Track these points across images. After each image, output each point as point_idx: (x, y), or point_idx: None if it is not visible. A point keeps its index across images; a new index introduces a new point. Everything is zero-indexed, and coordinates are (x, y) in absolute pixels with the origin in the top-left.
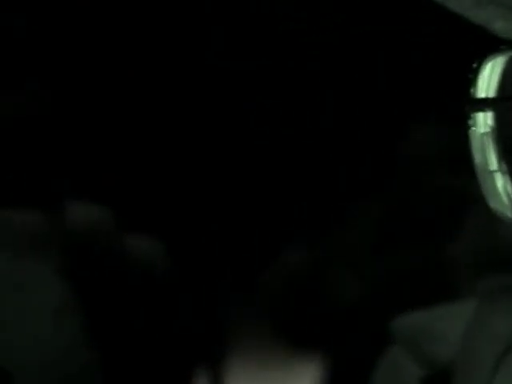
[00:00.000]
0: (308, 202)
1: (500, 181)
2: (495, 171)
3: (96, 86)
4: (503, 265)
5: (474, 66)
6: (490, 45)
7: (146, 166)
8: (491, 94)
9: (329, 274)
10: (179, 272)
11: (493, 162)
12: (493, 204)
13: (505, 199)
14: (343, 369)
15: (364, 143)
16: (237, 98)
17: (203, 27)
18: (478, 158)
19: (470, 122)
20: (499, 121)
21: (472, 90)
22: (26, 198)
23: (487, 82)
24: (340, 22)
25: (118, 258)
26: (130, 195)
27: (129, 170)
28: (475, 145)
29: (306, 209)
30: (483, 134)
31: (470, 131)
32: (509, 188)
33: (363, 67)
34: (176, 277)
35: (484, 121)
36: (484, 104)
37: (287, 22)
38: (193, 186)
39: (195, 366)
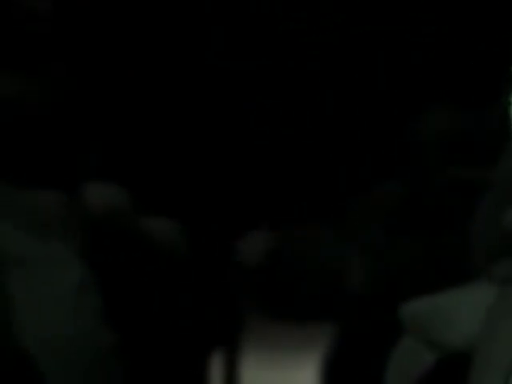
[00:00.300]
0: (317, 189)
1: None
2: None
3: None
4: None
5: None
6: None
7: (161, 153)
8: None
9: (341, 259)
10: (196, 255)
11: None
12: None
13: None
14: (356, 354)
15: (373, 132)
16: (237, 98)
17: (203, 27)
18: None
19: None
20: None
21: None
22: (47, 180)
23: None
24: (340, 22)
25: (136, 239)
26: (147, 178)
27: (145, 156)
28: None
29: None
30: None
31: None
32: None
33: (367, 60)
34: (193, 260)
35: None
36: None
37: (287, 22)
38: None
39: (211, 348)
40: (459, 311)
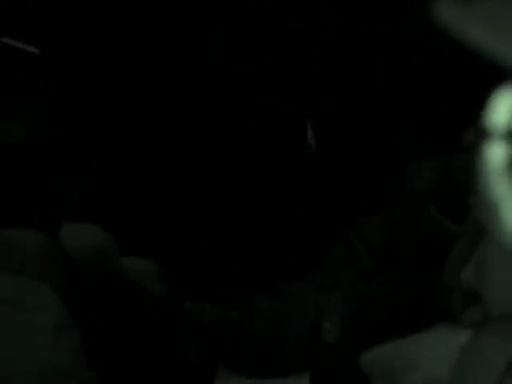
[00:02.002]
0: (291, 243)
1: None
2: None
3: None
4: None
5: (487, 97)
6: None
7: (145, 189)
8: (501, 127)
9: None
10: (177, 295)
11: (502, 192)
12: (499, 234)
13: None
14: None
15: (351, 181)
16: (237, 98)
17: (203, 27)
18: (487, 189)
19: (481, 155)
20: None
21: (483, 122)
22: (27, 219)
23: (498, 114)
24: (340, 22)
25: (115, 280)
26: (129, 218)
27: (128, 194)
28: (485, 176)
29: (290, 249)
30: (494, 166)
31: (480, 163)
32: None
33: (362, 67)
34: (173, 300)
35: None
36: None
37: (287, 22)
38: (190, 207)
39: None
40: (424, 357)
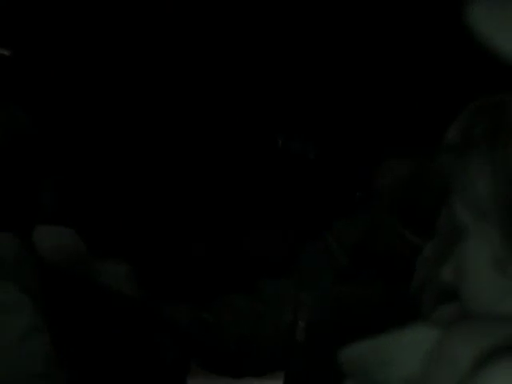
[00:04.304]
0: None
1: None
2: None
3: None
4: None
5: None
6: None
7: (114, 196)
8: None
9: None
10: (149, 296)
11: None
12: None
13: None
14: None
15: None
16: (237, 98)
17: (203, 27)
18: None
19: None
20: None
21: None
22: None
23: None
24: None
25: (88, 282)
26: (101, 220)
27: (98, 199)
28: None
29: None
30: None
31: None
32: None
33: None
34: (146, 301)
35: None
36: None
37: (287, 22)
38: (166, 208)
39: None
40: (398, 353)
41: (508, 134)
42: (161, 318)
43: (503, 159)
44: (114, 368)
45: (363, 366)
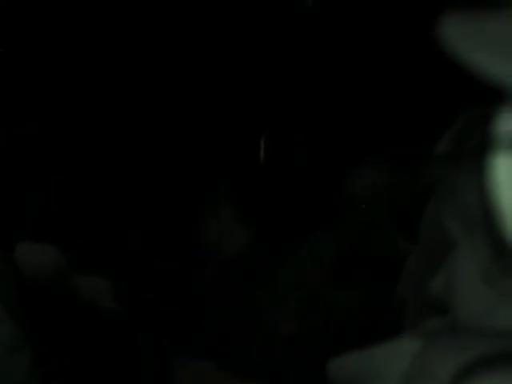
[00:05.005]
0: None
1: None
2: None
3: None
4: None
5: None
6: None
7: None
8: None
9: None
10: (129, 311)
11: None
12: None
13: None
14: None
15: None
16: (237, 99)
17: (203, 27)
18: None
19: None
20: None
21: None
22: None
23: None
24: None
25: (68, 297)
26: (81, 236)
27: (80, 215)
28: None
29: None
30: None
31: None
32: None
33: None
34: (126, 316)
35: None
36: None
37: (287, 22)
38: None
39: None
40: (385, 366)
41: (496, 146)
42: (141, 332)
43: (491, 170)
44: (95, 381)
45: (354, 378)
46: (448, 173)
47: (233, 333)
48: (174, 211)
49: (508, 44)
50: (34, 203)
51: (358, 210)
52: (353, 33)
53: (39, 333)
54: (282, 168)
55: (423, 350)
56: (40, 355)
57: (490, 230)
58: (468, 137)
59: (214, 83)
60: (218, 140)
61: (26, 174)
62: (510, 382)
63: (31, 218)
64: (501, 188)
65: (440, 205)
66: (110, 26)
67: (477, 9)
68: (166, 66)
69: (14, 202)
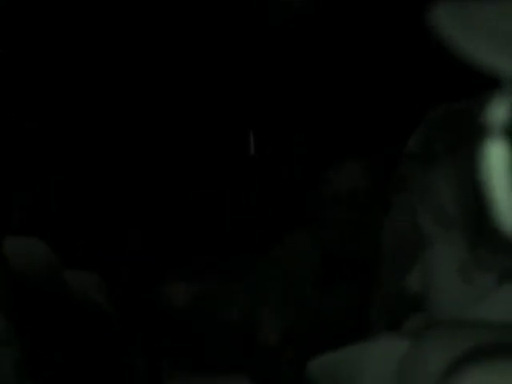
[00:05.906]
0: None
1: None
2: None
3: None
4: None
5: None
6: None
7: (84, 208)
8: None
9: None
10: (118, 307)
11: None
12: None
13: None
14: None
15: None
16: (237, 99)
17: (203, 27)
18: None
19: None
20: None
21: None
22: None
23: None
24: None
25: (58, 293)
26: (71, 231)
27: (69, 211)
28: (485, 175)
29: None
30: (495, 165)
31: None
32: None
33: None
34: (115, 312)
35: None
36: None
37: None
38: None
39: None
40: (367, 365)
41: (470, 146)
42: (130, 328)
43: (466, 170)
44: (84, 380)
45: (334, 377)
46: (420, 173)
47: (218, 335)
48: (174, 211)
49: (501, 32)
50: (22, 201)
51: (342, 209)
52: (344, 34)
53: (29, 327)
54: (271, 165)
55: (413, 348)
56: (29, 350)
57: (468, 223)
58: (437, 136)
59: (213, 83)
60: (211, 138)
61: (19, 172)
62: (499, 374)
63: (20, 215)
64: (493, 176)
65: (411, 204)
66: (109, 26)
67: None
68: (166, 66)
69: (3, 199)
